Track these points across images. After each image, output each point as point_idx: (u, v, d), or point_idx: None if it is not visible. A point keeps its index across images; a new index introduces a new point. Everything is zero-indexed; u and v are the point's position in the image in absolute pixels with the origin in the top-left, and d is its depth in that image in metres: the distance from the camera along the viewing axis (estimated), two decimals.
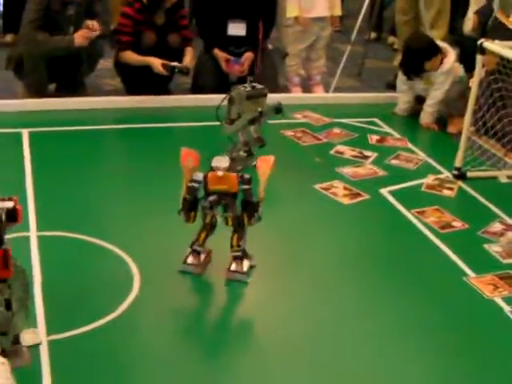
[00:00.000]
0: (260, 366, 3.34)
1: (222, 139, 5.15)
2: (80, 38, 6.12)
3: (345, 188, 5.02)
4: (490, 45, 4.98)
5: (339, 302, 3.84)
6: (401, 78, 6.45)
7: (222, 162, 3.77)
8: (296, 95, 6.91)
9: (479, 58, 5.05)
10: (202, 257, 3.97)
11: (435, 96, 6.22)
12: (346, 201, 4.87)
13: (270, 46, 7.20)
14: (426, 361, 3.42)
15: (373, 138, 5.93)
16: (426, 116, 6.30)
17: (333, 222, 4.67)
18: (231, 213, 3.85)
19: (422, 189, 5.12)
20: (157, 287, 3.81)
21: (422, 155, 5.68)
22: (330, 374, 3.31)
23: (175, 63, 6.23)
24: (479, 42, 5.01)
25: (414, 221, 4.66)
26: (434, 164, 5.54)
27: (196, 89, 6.77)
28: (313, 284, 3.96)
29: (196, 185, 3.79)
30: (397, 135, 6.07)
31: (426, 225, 4.61)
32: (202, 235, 3.93)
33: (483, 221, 4.70)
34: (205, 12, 6.76)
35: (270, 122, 5.25)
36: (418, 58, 6.15)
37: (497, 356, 3.50)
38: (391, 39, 8.89)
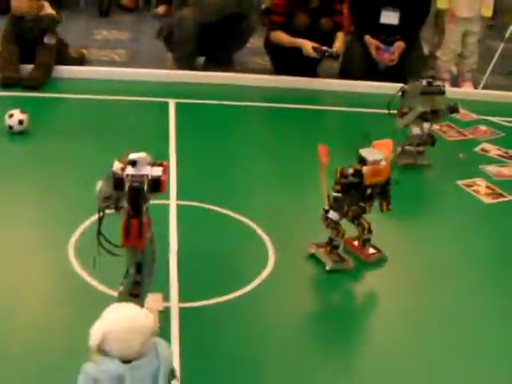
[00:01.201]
0: (383, 363, 3.27)
1: (365, 127, 5.09)
2: None
3: (487, 187, 4.90)
4: None
5: (470, 306, 3.71)
6: None
7: (376, 154, 3.69)
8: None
9: None
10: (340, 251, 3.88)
11: None
12: (488, 200, 4.75)
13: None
14: None
15: None
16: None
17: (471, 220, 4.56)
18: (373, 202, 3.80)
19: None
20: (290, 268, 3.80)
21: None
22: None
23: (325, 47, 6.20)
24: None
25: None
26: None
27: (344, 74, 6.70)
28: (443, 283, 3.84)
29: (348, 180, 3.68)
30: None
31: None
32: (341, 229, 3.79)
33: None
34: None
35: None
36: None
37: None
38: None
